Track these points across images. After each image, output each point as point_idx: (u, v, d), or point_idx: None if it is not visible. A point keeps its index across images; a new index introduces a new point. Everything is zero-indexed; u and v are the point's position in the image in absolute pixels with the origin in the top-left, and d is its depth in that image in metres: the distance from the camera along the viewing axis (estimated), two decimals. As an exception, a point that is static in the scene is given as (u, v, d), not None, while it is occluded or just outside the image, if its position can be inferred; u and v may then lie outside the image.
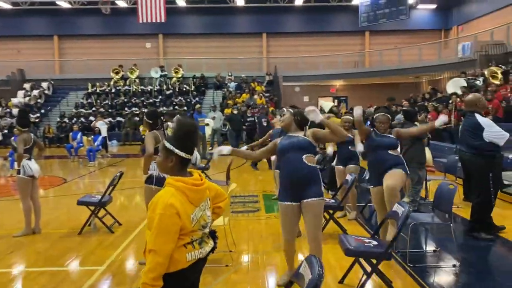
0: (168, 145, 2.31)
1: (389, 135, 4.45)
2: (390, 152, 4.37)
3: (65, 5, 23.99)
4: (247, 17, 25.91)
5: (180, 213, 2.15)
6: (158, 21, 19.92)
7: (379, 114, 4.48)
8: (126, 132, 19.15)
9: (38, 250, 5.02)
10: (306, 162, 3.46)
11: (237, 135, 15.54)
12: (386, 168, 4.32)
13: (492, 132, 4.70)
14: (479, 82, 13.25)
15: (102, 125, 14.38)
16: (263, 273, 4.21)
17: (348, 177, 5.28)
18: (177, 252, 2.21)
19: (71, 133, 13.88)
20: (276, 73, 23.53)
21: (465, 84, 13.42)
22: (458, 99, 12.22)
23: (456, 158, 6.97)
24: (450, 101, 12.82)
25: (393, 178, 4.20)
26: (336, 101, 24.76)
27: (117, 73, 23.53)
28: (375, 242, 3.58)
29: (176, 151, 2.30)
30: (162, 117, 4.85)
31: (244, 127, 16.49)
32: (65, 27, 25.35)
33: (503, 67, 13.20)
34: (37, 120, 19.84)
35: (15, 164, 5.72)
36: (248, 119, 15.90)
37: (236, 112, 16.37)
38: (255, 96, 21.18)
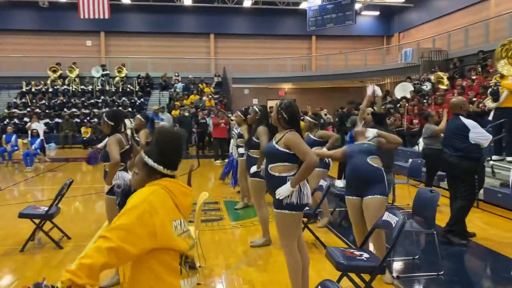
0: (150, 162, 1.91)
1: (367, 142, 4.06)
2: (369, 160, 3.83)
3: (-4, -4, 22.11)
4: (194, 16, 25.33)
5: (159, 214, 1.77)
6: (101, 17, 18.86)
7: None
8: (65, 134, 17.88)
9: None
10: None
11: (187, 138, 15.02)
12: (365, 181, 3.80)
13: (477, 133, 4.67)
14: (426, 86, 13.70)
15: (39, 127, 13.25)
16: (241, 292, 3.82)
17: (323, 182, 5.02)
18: (170, 276, 1.84)
19: (4, 136, 12.61)
20: (225, 75, 23.14)
21: (412, 89, 13.84)
22: (407, 104, 12.56)
23: (419, 161, 7.01)
24: (399, 105, 13.15)
25: (374, 208, 3.73)
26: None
27: (54, 71, 21.98)
28: (366, 255, 3.32)
29: (160, 168, 1.90)
30: (125, 118, 4.31)
31: (194, 129, 16.00)
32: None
33: (447, 73, 13.76)
34: (-38, 121, 18.00)
35: None
36: (199, 121, 15.43)
37: (187, 114, 15.87)
38: (204, 98, 20.67)
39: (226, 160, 10.00)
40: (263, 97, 24.66)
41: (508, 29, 14.20)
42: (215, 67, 25.15)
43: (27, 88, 21.00)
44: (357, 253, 3.36)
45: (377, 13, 25.55)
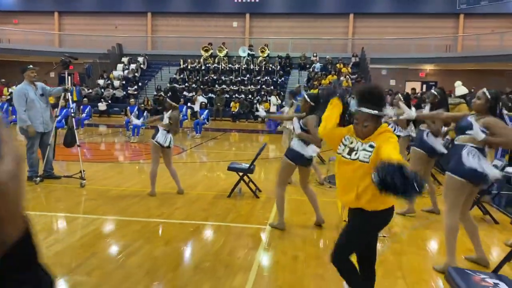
0: (375, 112, 2.66)
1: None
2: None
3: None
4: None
5: None
6: (253, 0, 20.24)
7: None
8: (217, 108, 19.93)
9: (202, 207, 5.60)
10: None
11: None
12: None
13: None
14: None
15: (203, 100, 15.13)
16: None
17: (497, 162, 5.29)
18: None
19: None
20: (363, 55, 23.14)
21: None
22: None
23: None
24: None
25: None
26: (425, 86, 24.00)
27: (206, 50, 24.38)
28: (503, 285, 2.54)
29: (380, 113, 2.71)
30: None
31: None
32: (157, 4, 26.57)
33: None
34: (135, 93, 21.18)
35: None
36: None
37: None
38: (342, 78, 21.05)
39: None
40: (402, 78, 24.14)
41: None
42: (353, 47, 25.23)
43: (184, 65, 23.68)
44: (490, 281, 2.60)
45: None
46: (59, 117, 8.15)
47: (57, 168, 7.16)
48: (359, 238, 2.84)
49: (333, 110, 2.89)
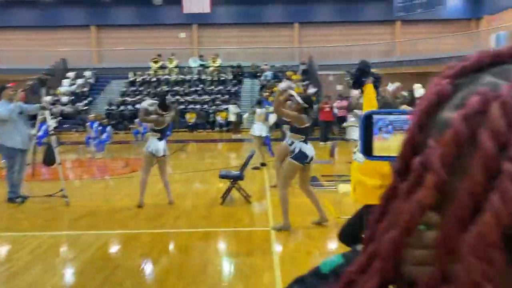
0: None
1: None
2: None
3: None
4: (279, 6, 26.35)
5: None
6: (202, 11, 20.49)
7: None
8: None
9: (201, 215, 5.72)
10: None
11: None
12: None
13: None
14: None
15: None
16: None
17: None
18: None
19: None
20: (311, 62, 24.05)
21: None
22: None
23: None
24: None
25: None
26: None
27: (156, 62, 24.17)
28: None
29: None
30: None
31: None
32: (101, 17, 25.96)
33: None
34: (86, 108, 20.55)
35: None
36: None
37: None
38: (293, 85, 21.74)
39: (329, 142, 11.20)
40: (347, 83, 25.31)
41: None
42: (300, 55, 26.10)
43: (134, 78, 23.30)
44: None
45: (465, -5, 25.09)
46: (40, 133, 7.91)
47: (32, 187, 6.94)
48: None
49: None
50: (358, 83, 3.27)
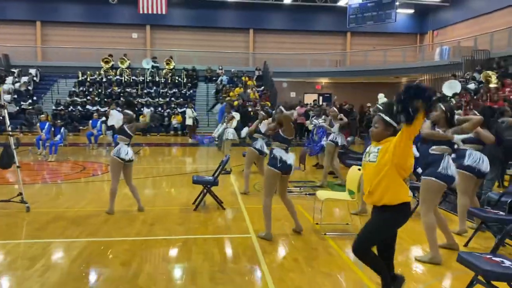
0: (388, 119, 3.10)
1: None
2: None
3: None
4: (234, 12, 26.33)
5: None
6: (159, 13, 20.09)
7: None
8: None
9: (176, 222, 5.52)
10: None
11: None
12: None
13: None
14: (474, 84, 14.67)
15: (117, 114, 14.50)
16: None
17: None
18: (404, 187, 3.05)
19: (90, 121, 13.94)
20: (266, 68, 24.25)
21: (460, 86, 14.84)
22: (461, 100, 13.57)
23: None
24: (453, 102, 14.17)
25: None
26: (321, 98, 25.97)
27: (107, 62, 23.35)
28: (508, 262, 3.09)
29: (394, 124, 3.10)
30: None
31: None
32: (46, 13, 24.60)
33: (494, 72, 14.70)
34: (30, 107, 19.36)
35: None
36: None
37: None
38: (249, 90, 21.82)
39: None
40: (301, 90, 25.77)
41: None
42: (255, 61, 26.25)
43: (83, 77, 22.31)
44: (497, 259, 3.13)
45: (411, 11, 26.41)
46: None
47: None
48: (375, 232, 3.21)
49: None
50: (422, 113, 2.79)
